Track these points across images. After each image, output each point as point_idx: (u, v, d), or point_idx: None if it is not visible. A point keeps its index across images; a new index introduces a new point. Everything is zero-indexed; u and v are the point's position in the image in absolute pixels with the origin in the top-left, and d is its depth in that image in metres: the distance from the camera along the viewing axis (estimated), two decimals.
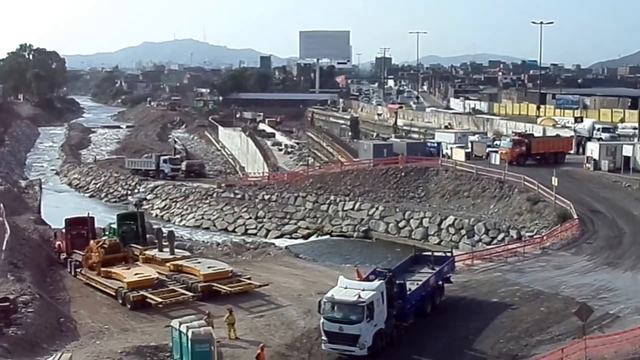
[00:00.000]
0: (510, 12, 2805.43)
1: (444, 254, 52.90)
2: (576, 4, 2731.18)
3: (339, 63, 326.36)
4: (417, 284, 45.59)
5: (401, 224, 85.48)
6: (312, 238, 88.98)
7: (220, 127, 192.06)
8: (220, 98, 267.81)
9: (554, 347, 40.96)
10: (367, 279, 43.40)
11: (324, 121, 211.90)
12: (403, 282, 44.36)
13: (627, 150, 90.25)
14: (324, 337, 40.53)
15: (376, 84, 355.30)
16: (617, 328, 43.55)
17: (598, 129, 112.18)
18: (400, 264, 49.84)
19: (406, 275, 47.44)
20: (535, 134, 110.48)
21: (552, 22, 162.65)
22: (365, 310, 39.56)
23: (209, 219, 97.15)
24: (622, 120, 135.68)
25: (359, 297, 39.95)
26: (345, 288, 41.32)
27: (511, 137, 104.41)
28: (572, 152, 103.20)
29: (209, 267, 54.64)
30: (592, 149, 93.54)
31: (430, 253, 53.44)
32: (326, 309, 40.56)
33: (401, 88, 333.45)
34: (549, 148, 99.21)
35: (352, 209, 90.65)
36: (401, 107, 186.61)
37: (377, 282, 42.02)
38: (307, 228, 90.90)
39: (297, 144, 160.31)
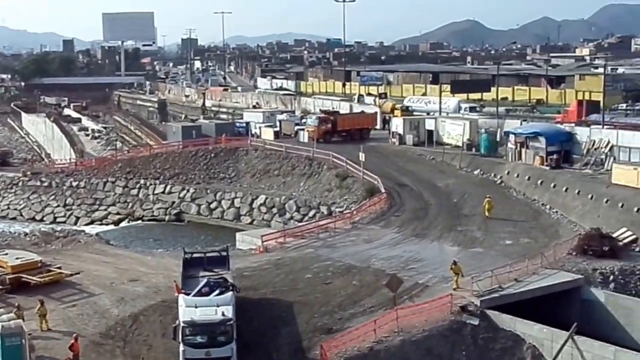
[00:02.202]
0: None
1: (217, 254, 47.17)
2: None
3: (144, 45, 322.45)
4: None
5: (213, 205, 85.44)
6: (124, 224, 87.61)
7: (23, 114, 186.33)
8: (22, 84, 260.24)
9: (367, 319, 42.10)
10: (200, 293, 39.87)
11: (131, 104, 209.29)
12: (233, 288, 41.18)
13: (430, 124, 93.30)
14: None
15: (184, 66, 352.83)
16: (426, 297, 45.08)
17: (465, 108, 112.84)
18: (182, 271, 44.20)
19: (197, 282, 42.47)
20: (342, 111, 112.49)
21: (354, 0, 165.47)
22: (233, 329, 37.03)
23: (16, 209, 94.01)
24: (425, 95, 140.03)
25: (224, 314, 37.21)
26: (197, 307, 38.02)
27: (317, 114, 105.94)
28: (377, 127, 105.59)
29: (17, 258, 52.79)
30: (397, 124, 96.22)
31: (202, 254, 47.35)
32: (187, 333, 37.00)
33: (204, 68, 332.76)
34: (354, 124, 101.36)
35: (163, 192, 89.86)
36: (226, 89, 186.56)
37: (229, 295, 39.32)
38: (118, 213, 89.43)
39: (105, 128, 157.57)
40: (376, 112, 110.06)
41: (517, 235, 59.81)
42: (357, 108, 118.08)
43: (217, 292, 39.71)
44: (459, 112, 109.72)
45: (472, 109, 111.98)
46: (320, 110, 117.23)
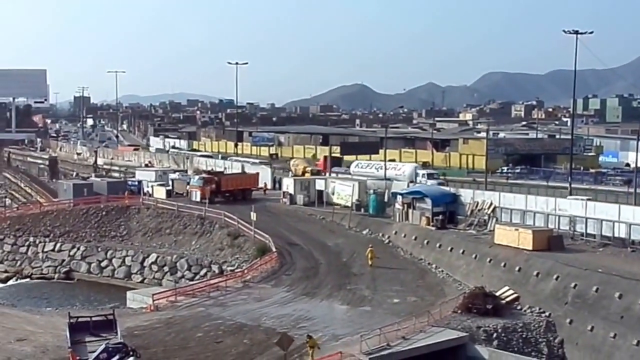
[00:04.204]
0: (207, 53, 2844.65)
1: (104, 317, 45.76)
2: (271, 46, 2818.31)
3: (36, 102, 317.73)
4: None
5: (103, 264, 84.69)
6: (11, 282, 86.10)
7: None
8: None
9: None
10: None
11: (21, 161, 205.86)
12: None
13: (320, 185, 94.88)
14: None
15: (63, 123, 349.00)
16: (316, 355, 45.51)
17: (423, 175, 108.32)
18: (69, 336, 42.54)
19: (85, 347, 41.52)
20: (228, 171, 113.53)
21: (247, 63, 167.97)
22: None
23: None
24: (314, 156, 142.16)
25: None
26: None
27: (201, 174, 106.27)
28: (269, 187, 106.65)
29: None
30: (288, 184, 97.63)
31: (88, 318, 45.59)
32: None
33: (95, 125, 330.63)
34: (237, 185, 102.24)
35: (53, 250, 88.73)
36: (137, 149, 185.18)
37: None
38: (6, 271, 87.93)
39: None
40: (258, 173, 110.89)
41: (404, 293, 61.13)
42: (249, 169, 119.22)
43: (116, 357, 38.71)
44: (415, 180, 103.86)
45: (429, 176, 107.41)
46: (205, 170, 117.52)
